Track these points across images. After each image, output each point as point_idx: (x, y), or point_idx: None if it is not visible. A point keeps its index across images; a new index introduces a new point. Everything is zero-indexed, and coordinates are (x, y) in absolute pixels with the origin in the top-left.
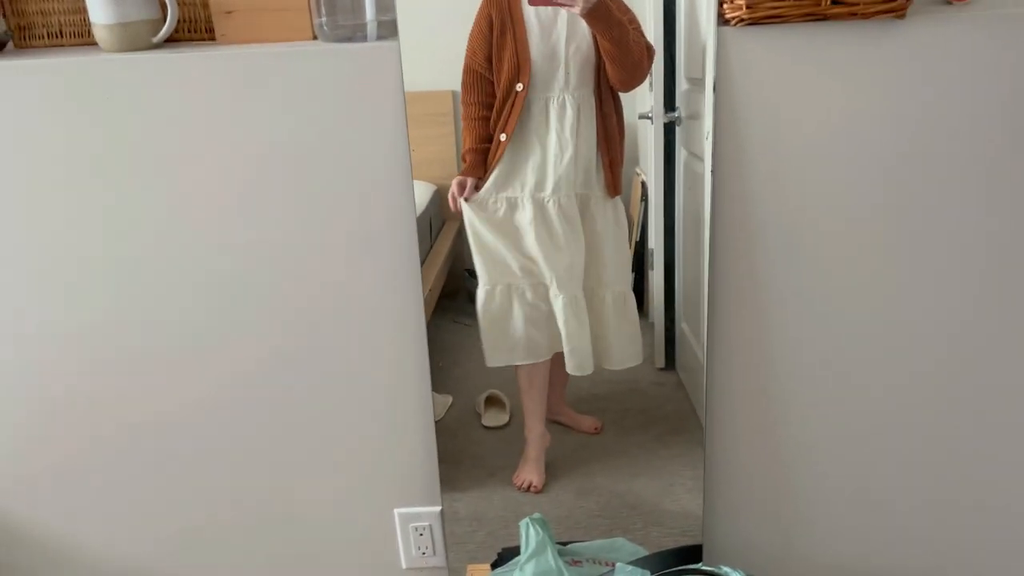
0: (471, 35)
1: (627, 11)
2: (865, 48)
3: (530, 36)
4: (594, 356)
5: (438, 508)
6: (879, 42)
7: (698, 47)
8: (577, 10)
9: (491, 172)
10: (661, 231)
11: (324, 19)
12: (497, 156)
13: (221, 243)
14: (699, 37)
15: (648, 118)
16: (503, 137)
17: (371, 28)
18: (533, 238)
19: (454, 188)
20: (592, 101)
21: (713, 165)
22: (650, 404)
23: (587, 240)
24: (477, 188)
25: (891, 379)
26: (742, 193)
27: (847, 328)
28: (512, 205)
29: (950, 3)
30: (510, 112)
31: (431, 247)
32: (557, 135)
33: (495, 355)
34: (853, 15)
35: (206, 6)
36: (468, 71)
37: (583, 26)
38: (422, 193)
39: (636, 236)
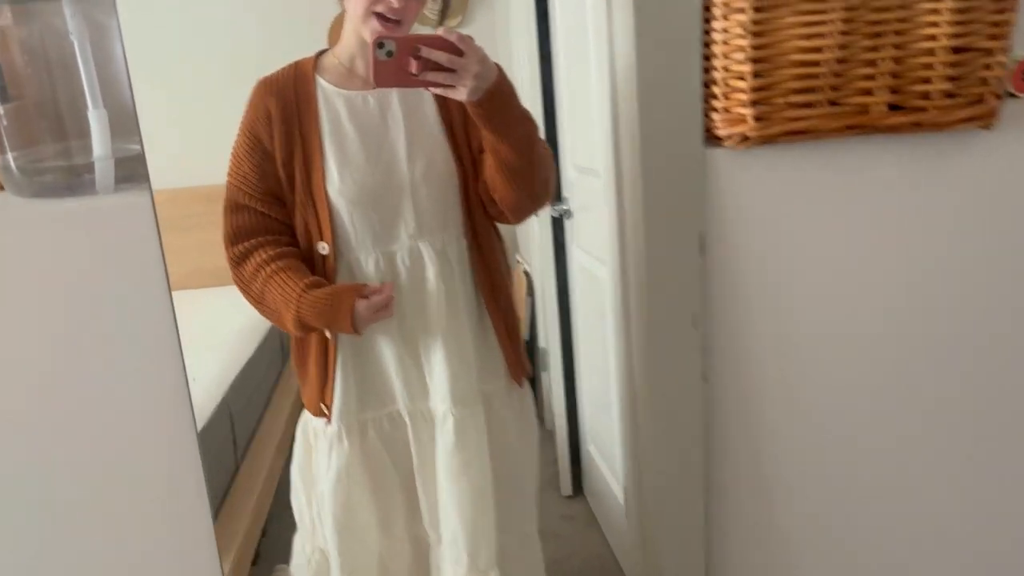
0: (235, 149)
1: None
2: (939, 163)
3: (341, 152)
4: None
5: None
6: (957, 156)
7: (587, 133)
8: (462, 95)
9: (332, 389)
10: (557, 334)
11: (13, 157)
12: (331, 365)
13: None
14: (589, 121)
15: None
16: (328, 334)
17: (103, 170)
18: (423, 483)
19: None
20: (462, 247)
21: (705, 342)
22: (561, 551)
23: (492, 460)
24: (327, 410)
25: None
26: (745, 396)
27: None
28: (384, 427)
29: (1014, 96)
30: None
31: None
32: (414, 310)
33: None
34: (918, 126)
35: None
36: (236, 209)
37: (433, 128)
38: None
39: (525, 334)
